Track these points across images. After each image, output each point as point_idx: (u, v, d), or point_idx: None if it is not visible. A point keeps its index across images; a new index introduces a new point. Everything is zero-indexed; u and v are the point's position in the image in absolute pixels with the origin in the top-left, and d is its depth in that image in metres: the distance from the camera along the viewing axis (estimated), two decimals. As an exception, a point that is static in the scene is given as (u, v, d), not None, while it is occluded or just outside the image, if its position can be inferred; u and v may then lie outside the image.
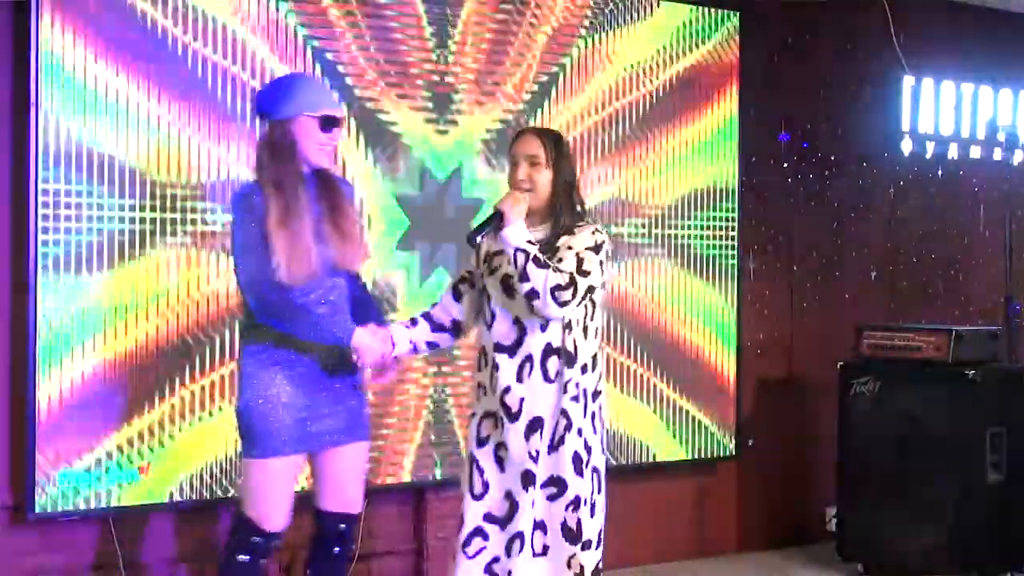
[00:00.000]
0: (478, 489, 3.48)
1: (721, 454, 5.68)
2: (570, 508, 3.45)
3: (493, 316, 3.50)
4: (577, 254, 3.42)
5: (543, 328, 3.42)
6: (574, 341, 3.44)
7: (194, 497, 4.39)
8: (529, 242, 3.38)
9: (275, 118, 3.47)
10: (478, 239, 3.46)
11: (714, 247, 5.63)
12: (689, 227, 5.55)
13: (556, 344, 3.43)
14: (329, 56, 4.63)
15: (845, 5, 6.09)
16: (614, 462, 5.32)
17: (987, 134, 6.36)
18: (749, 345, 5.82)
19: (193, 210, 4.38)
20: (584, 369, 3.46)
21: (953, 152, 6.49)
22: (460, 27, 4.91)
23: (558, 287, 3.33)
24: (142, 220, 4.29)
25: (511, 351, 3.44)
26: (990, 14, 6.59)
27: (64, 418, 4.16)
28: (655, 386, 5.46)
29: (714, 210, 5.62)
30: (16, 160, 4.16)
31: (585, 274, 3.40)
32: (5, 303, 4.20)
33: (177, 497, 4.37)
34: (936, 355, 5.27)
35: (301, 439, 3.46)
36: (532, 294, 3.34)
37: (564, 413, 3.43)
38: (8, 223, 4.19)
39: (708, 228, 5.61)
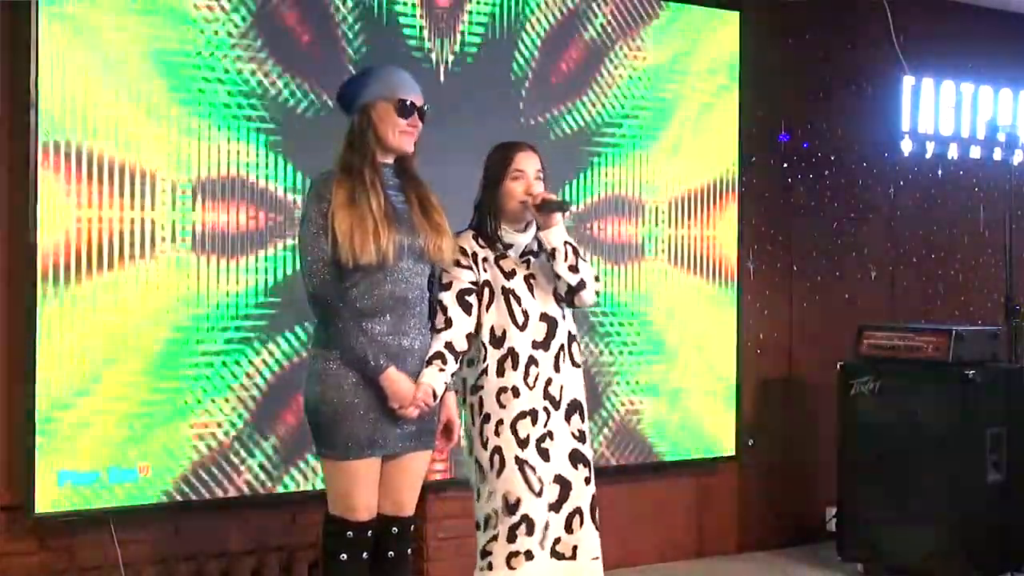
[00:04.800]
0: (537, 486, 3.58)
1: (721, 454, 5.69)
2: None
3: (526, 317, 3.61)
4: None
5: (563, 318, 3.69)
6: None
7: (194, 497, 4.40)
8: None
9: (354, 107, 3.49)
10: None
11: (714, 247, 5.63)
12: (689, 227, 5.55)
13: (574, 332, 3.73)
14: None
15: (845, 5, 6.09)
16: (615, 462, 5.34)
17: (987, 134, 6.35)
18: (749, 345, 5.82)
19: (194, 211, 4.38)
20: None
21: (953, 152, 6.49)
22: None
23: (595, 277, 3.70)
24: (143, 220, 4.30)
25: (545, 345, 3.63)
26: (990, 14, 6.58)
27: (64, 418, 4.15)
28: (655, 386, 5.46)
29: (714, 210, 5.62)
30: (15, 156, 4.17)
31: None
32: (4, 303, 4.20)
33: (177, 497, 4.37)
34: (936, 355, 5.27)
35: (374, 443, 3.42)
36: (581, 285, 3.64)
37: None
38: (7, 223, 4.19)
39: (708, 228, 5.61)
